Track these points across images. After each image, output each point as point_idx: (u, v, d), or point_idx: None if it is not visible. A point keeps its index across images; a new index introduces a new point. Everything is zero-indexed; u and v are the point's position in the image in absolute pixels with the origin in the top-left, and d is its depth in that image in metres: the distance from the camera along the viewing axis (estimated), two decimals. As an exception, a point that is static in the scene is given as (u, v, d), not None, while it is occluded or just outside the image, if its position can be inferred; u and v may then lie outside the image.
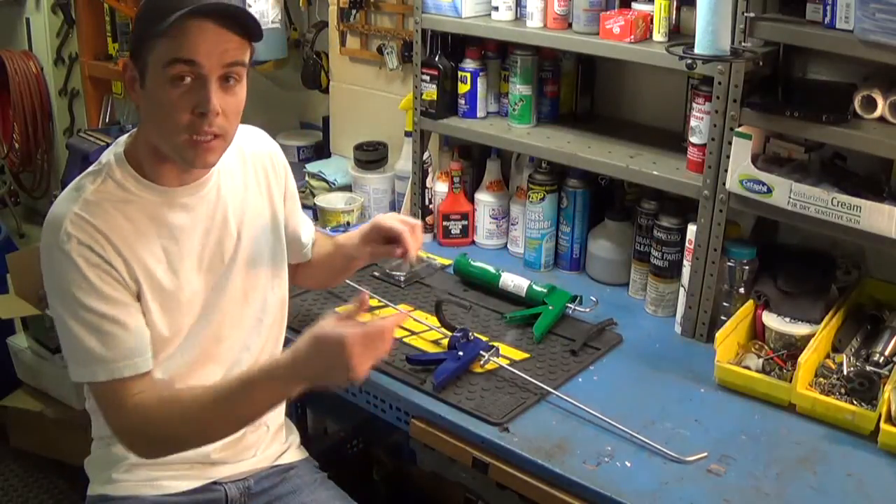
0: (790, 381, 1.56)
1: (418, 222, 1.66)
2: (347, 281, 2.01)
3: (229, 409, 1.31)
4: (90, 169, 1.40)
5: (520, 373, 1.65)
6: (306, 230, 1.74)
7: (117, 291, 1.34)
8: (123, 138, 1.43)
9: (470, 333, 1.70)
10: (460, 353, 1.66)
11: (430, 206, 2.29)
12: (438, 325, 1.79)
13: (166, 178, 1.40)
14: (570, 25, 1.91)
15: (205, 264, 1.46)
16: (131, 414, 1.34)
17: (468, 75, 2.14)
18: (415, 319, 1.87)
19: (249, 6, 2.51)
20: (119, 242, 1.34)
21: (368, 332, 1.27)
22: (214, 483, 1.55)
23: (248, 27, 1.32)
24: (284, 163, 1.64)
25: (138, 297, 1.38)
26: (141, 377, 1.35)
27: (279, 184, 1.61)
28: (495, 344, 1.71)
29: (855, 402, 1.53)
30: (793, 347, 1.67)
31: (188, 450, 1.43)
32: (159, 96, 1.30)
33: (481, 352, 1.67)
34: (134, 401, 1.34)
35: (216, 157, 1.37)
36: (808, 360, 1.56)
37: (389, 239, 1.64)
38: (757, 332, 1.76)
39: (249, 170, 1.55)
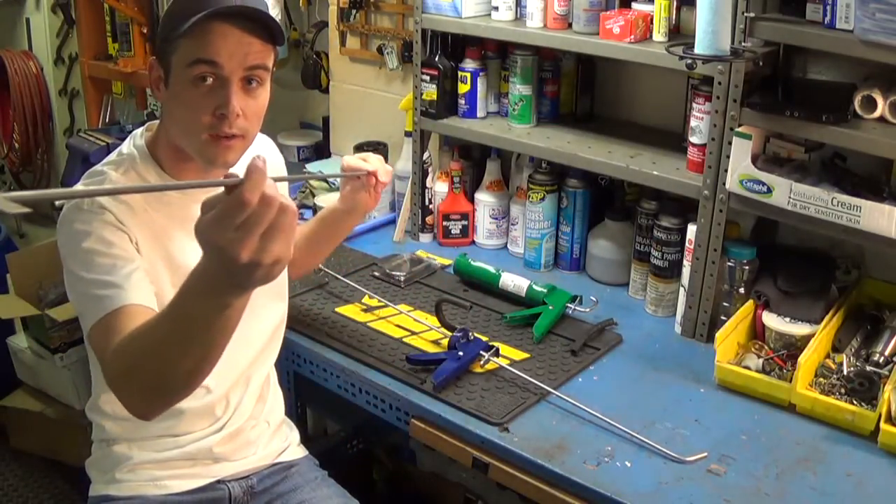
0: (790, 381, 1.56)
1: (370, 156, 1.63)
2: (348, 281, 2.02)
3: (176, 325, 1.07)
4: (110, 159, 1.42)
5: (520, 373, 1.65)
6: None
7: (127, 244, 1.33)
8: (140, 131, 1.46)
9: (470, 333, 1.70)
10: (460, 353, 1.66)
11: (430, 206, 2.29)
12: (438, 325, 1.79)
13: (187, 177, 1.43)
14: (570, 25, 1.92)
15: None
16: (113, 350, 1.19)
17: (468, 75, 2.14)
18: (415, 319, 1.87)
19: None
20: (143, 216, 1.36)
21: (224, 207, 0.90)
22: (218, 482, 1.56)
23: (270, 30, 1.34)
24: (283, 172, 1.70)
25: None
26: (140, 310, 1.24)
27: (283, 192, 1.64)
28: (495, 344, 1.71)
29: (855, 402, 1.53)
30: (793, 347, 1.67)
31: (168, 391, 1.17)
32: (182, 96, 1.33)
33: (481, 352, 1.67)
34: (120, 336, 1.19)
35: (236, 156, 1.39)
36: (808, 360, 1.56)
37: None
38: (757, 332, 1.76)
39: None
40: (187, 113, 1.33)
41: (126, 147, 1.44)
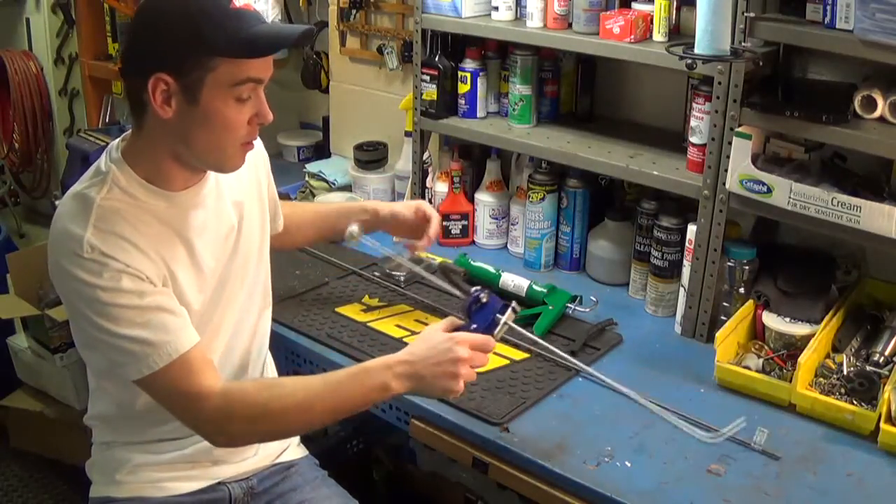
0: (790, 381, 1.56)
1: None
2: (348, 281, 2.02)
3: (339, 393, 1.36)
4: (90, 179, 1.38)
5: (520, 373, 1.65)
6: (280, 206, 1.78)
7: (148, 286, 1.33)
8: (116, 144, 1.41)
9: (483, 296, 1.50)
10: (473, 326, 1.48)
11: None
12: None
13: (172, 184, 1.40)
14: (570, 25, 1.92)
15: (213, 260, 1.47)
16: (213, 395, 1.33)
17: (468, 75, 2.14)
18: (415, 320, 1.87)
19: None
20: (143, 245, 1.33)
21: (476, 336, 1.40)
22: (218, 483, 1.56)
23: None
24: (266, 156, 1.68)
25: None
26: (200, 352, 1.35)
27: (265, 177, 1.65)
28: (510, 303, 1.52)
29: (855, 402, 1.53)
30: (793, 347, 1.67)
31: (279, 436, 1.54)
32: (223, 113, 1.31)
33: (497, 316, 1.49)
34: (208, 381, 1.33)
35: None
36: (808, 360, 1.56)
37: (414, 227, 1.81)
38: (757, 332, 1.76)
39: (245, 167, 1.56)
40: (226, 127, 1.33)
41: (104, 163, 1.39)
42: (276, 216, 1.75)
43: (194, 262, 1.42)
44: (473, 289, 1.53)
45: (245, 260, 1.54)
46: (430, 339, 1.38)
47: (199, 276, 1.43)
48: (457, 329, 1.46)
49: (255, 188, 1.59)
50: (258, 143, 1.61)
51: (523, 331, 1.54)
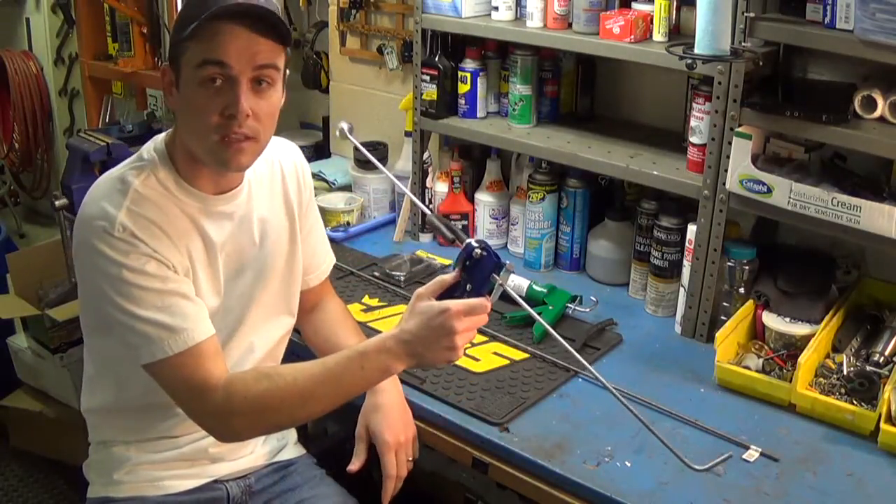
0: (790, 381, 1.56)
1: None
2: (348, 281, 2.01)
3: (340, 379, 1.33)
4: (131, 163, 1.40)
5: (520, 373, 1.65)
6: (317, 257, 1.71)
7: (167, 272, 1.33)
8: (161, 136, 1.44)
9: (477, 251, 1.36)
10: (468, 287, 1.37)
11: (430, 206, 2.29)
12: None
13: (202, 184, 1.41)
14: (570, 25, 1.92)
15: (229, 273, 1.47)
16: (219, 389, 1.32)
17: (468, 75, 2.14)
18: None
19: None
20: (172, 235, 1.35)
21: (470, 303, 1.31)
22: (216, 482, 1.56)
23: (278, 30, 1.33)
24: (311, 182, 1.65)
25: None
26: (214, 344, 1.35)
27: (303, 201, 1.62)
28: (507, 262, 1.41)
29: (855, 402, 1.53)
30: (793, 347, 1.67)
31: (282, 427, 1.52)
32: (191, 98, 1.31)
33: (494, 276, 1.39)
34: (217, 374, 1.32)
35: (249, 158, 1.37)
36: (808, 360, 1.56)
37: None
38: (757, 332, 1.76)
39: (277, 181, 1.56)
40: (197, 115, 1.32)
41: (147, 151, 1.42)
42: (310, 266, 1.66)
43: (212, 270, 1.43)
44: (468, 240, 1.39)
45: (263, 279, 1.53)
46: (424, 313, 1.30)
47: (214, 283, 1.44)
48: (448, 289, 1.36)
49: (281, 204, 1.56)
50: (294, 157, 1.62)
51: (517, 296, 1.44)
